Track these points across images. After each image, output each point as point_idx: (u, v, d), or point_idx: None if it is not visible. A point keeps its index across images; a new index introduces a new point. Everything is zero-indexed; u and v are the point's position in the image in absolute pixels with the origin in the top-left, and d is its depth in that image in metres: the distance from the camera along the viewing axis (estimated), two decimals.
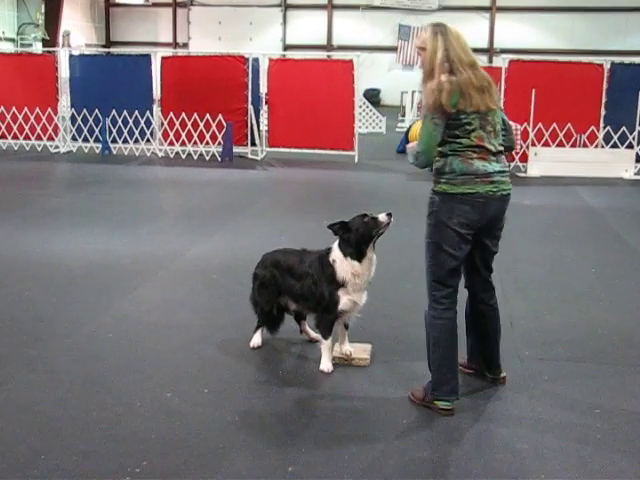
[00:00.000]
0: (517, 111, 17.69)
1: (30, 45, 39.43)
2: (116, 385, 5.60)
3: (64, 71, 20.73)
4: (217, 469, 4.44)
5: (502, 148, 5.31)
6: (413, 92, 30.94)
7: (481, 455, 4.66)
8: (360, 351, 6.17)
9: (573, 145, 18.19)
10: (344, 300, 5.85)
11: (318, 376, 5.83)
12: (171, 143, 19.97)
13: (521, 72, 18.29)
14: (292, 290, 6.11)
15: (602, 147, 18.22)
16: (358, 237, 5.77)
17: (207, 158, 19.47)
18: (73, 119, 20.44)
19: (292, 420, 5.10)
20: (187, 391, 5.50)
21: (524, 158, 18.02)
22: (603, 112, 18.35)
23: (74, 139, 20.58)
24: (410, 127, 21.04)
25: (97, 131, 20.17)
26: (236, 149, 19.59)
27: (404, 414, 5.19)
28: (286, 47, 48.10)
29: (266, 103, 20.44)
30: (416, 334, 6.72)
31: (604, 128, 18.22)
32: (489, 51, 47.25)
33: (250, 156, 19.80)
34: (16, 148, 20.44)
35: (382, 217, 5.78)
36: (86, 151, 20.34)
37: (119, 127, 20.05)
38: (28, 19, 40.59)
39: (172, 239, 10.36)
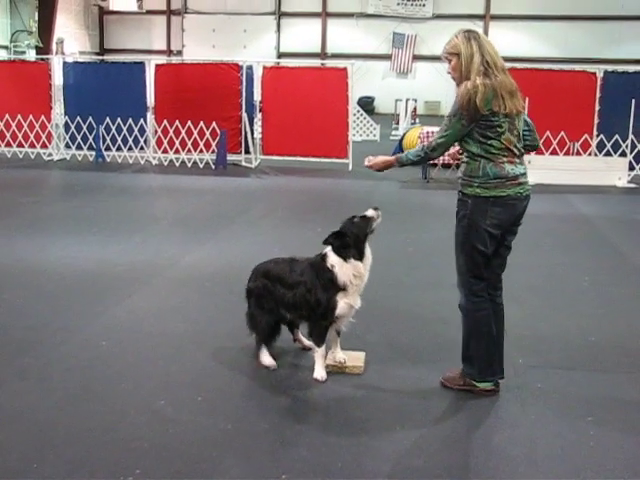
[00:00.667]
0: None
1: (23, 52, 39.44)
2: (109, 393, 5.59)
3: (58, 78, 20.74)
4: (210, 477, 4.43)
5: (524, 151, 5.64)
6: (407, 100, 31.03)
7: (475, 461, 4.66)
8: (354, 359, 6.16)
9: (566, 153, 18.25)
10: (341, 304, 5.87)
11: (312, 384, 5.82)
12: (165, 151, 19.97)
13: (515, 80, 18.22)
14: (284, 299, 6.07)
15: (595, 155, 18.29)
16: (354, 239, 5.88)
17: (201, 166, 19.47)
18: (67, 127, 20.44)
19: (285, 428, 5.09)
20: (180, 399, 5.49)
21: None
22: (596, 120, 18.43)
23: (67, 147, 20.58)
24: (404, 135, 21.08)
25: (91, 139, 20.17)
26: (230, 157, 19.61)
27: (397, 422, 5.19)
28: (280, 55, 48.23)
29: (260, 111, 20.45)
30: (410, 342, 6.75)
31: (597, 136, 18.29)
32: None
33: (244, 164, 19.81)
34: (9, 156, 20.42)
35: (370, 213, 5.99)
36: (79, 159, 20.33)
37: (113, 135, 20.07)
38: (22, 26, 40.59)
39: (165, 247, 10.35)
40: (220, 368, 6.10)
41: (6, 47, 40.28)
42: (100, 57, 35.07)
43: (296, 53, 46.15)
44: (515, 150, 5.49)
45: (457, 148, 5.78)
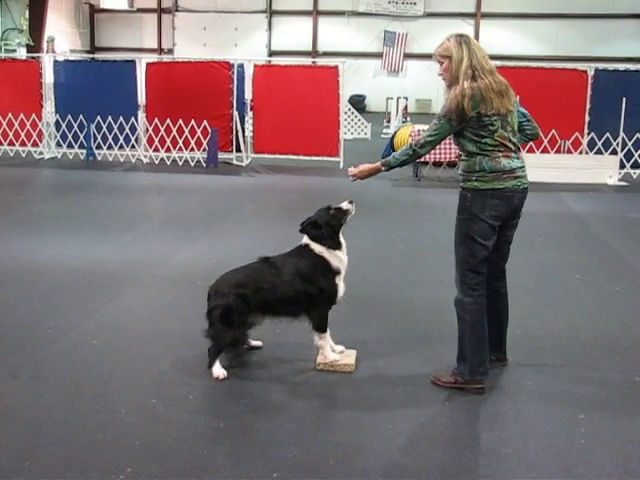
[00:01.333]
0: None
1: (14, 51, 39.29)
2: (100, 391, 5.58)
3: (48, 77, 20.70)
4: (202, 475, 4.43)
5: (520, 145, 5.96)
6: (398, 98, 31.02)
7: (466, 460, 4.67)
8: (345, 357, 6.16)
9: (557, 151, 18.27)
10: (341, 286, 6.07)
11: (303, 382, 5.82)
12: (156, 149, 19.96)
13: (506, 78, 18.12)
14: (270, 303, 6.00)
15: (586, 153, 18.31)
16: (330, 229, 6.13)
17: (192, 164, 19.45)
18: (57, 125, 20.41)
19: (277, 426, 5.09)
20: (172, 397, 5.49)
21: None
22: (587, 118, 18.47)
23: (58, 145, 20.55)
24: (395, 133, 21.07)
25: (82, 137, 20.14)
26: (221, 155, 19.60)
27: (389, 420, 5.19)
28: (271, 53, 48.22)
29: (251, 109, 20.44)
30: (401, 340, 6.74)
31: (588, 134, 18.33)
32: None
33: (235, 162, 19.80)
34: (0, 154, 20.36)
35: (345, 205, 6.20)
36: (70, 157, 20.29)
37: (104, 133, 20.03)
38: (12, 24, 40.45)
39: (157, 245, 10.34)
40: None
41: None
42: (91, 55, 35.09)
43: (287, 51, 46.18)
44: (510, 145, 5.73)
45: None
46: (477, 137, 5.64)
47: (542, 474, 4.52)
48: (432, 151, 6.10)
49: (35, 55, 24.35)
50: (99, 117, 19.87)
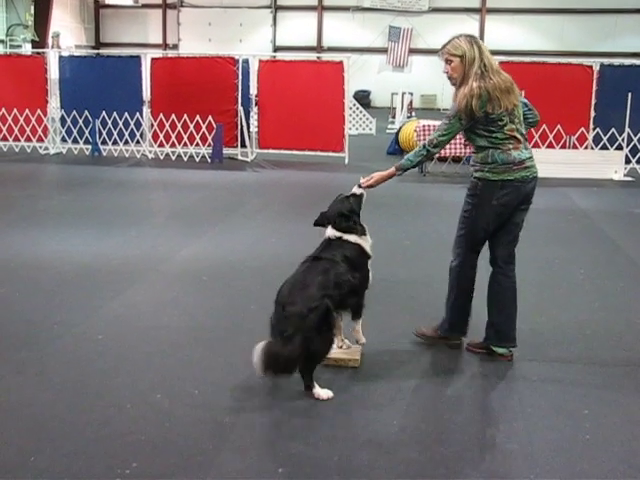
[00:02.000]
0: None
1: (19, 46, 39.33)
2: (106, 386, 5.59)
3: (53, 72, 20.68)
4: (207, 470, 4.43)
5: (526, 132, 6.17)
6: (403, 94, 31.02)
7: (470, 456, 4.67)
8: (350, 352, 6.17)
9: (563, 146, 18.23)
10: (371, 272, 6.15)
11: None
12: (161, 144, 19.95)
13: (511, 73, 17.83)
14: (343, 299, 5.82)
15: (592, 149, 18.28)
16: (356, 216, 6.13)
17: (197, 160, 19.46)
18: (63, 120, 20.41)
19: (282, 421, 5.10)
20: (177, 392, 5.50)
21: None
22: (593, 114, 18.40)
23: (64, 140, 20.56)
24: (400, 128, 21.07)
25: (87, 132, 20.13)
26: (226, 151, 19.61)
27: (394, 415, 5.20)
28: (276, 49, 48.16)
29: (256, 105, 20.42)
30: (406, 335, 6.74)
31: (594, 129, 18.28)
32: None
33: (240, 158, 19.79)
34: (5, 149, 20.39)
35: (357, 190, 6.23)
36: (76, 152, 20.30)
37: (109, 128, 20.03)
38: (17, 20, 40.48)
39: (162, 241, 10.35)
40: (216, 362, 6.10)
41: (2, 41, 40.14)
42: (96, 51, 35.00)
43: (292, 47, 46.10)
44: (519, 136, 6.00)
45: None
46: (487, 132, 5.93)
47: (547, 469, 4.52)
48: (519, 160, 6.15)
49: (40, 51, 24.37)
50: (104, 112, 19.87)
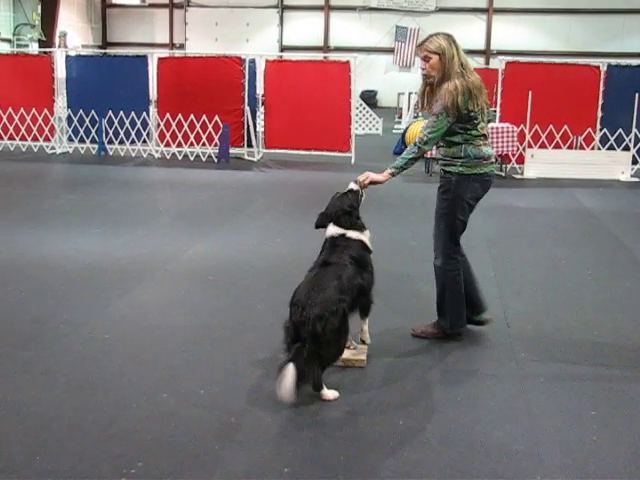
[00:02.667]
0: (514, 113, 17.80)
1: (26, 46, 39.40)
2: (112, 386, 5.59)
3: (60, 72, 20.70)
4: (213, 470, 4.43)
5: None
6: (410, 94, 30.95)
7: (476, 456, 4.66)
8: (357, 352, 6.16)
9: (570, 147, 18.20)
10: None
11: None
12: (167, 144, 19.96)
13: (518, 74, 18.29)
14: (356, 301, 5.84)
15: (599, 149, 18.24)
16: (355, 212, 6.17)
17: (203, 159, 19.47)
18: (69, 120, 20.44)
19: (288, 421, 5.10)
20: (183, 392, 5.50)
21: (521, 160, 18.03)
22: (600, 114, 18.35)
23: (70, 140, 20.59)
24: (407, 128, 21.04)
25: (93, 132, 20.16)
26: (232, 150, 19.61)
27: (400, 415, 5.19)
28: (283, 48, 48.16)
29: (263, 104, 20.42)
30: (411, 336, 6.74)
31: (601, 130, 18.23)
32: (486, 53, 47.36)
33: (246, 157, 19.80)
34: (12, 149, 20.42)
35: (354, 186, 6.30)
36: (82, 152, 20.33)
37: (115, 128, 20.05)
38: (24, 20, 40.56)
39: (168, 240, 10.35)
40: (223, 361, 6.10)
41: (9, 40, 40.25)
42: (103, 50, 35.04)
43: (299, 47, 46.09)
44: (486, 133, 6.37)
45: None
46: (464, 130, 6.19)
47: (553, 470, 4.51)
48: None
49: (47, 50, 24.39)
50: (111, 112, 19.90)
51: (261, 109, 20.62)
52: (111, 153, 20.19)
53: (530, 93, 17.43)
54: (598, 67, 18.58)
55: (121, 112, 19.86)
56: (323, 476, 4.40)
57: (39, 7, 40.58)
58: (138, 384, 5.64)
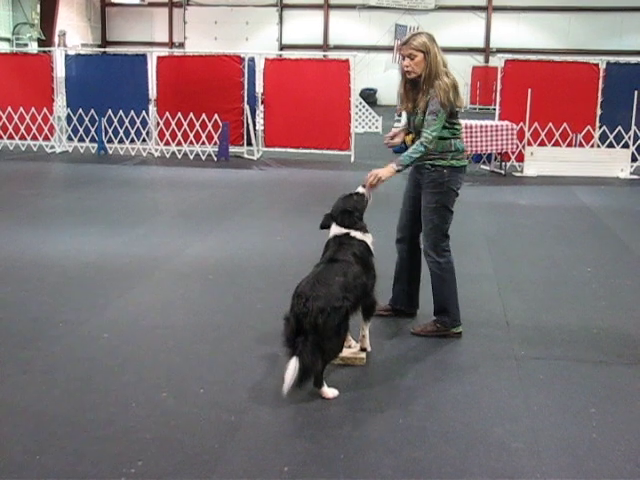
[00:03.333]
0: (513, 111, 17.81)
1: (26, 45, 39.43)
2: (111, 385, 5.59)
3: (60, 71, 20.70)
4: (213, 469, 4.43)
5: None
6: None
7: (476, 454, 4.66)
8: (356, 350, 6.16)
9: (569, 145, 18.19)
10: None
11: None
12: (167, 143, 19.97)
13: (517, 72, 18.30)
14: (359, 300, 5.83)
15: (598, 147, 18.24)
16: (360, 214, 6.20)
17: (203, 158, 19.47)
18: (69, 119, 20.45)
19: (288, 420, 5.10)
20: (182, 391, 5.49)
21: (520, 158, 18.03)
22: (599, 112, 18.36)
23: (70, 139, 20.60)
24: None
25: (93, 131, 20.17)
26: (232, 149, 19.62)
27: (399, 414, 5.19)
28: (282, 47, 48.21)
29: (262, 103, 20.42)
30: (411, 334, 6.74)
31: (600, 128, 18.24)
32: (485, 51, 47.40)
33: (246, 156, 19.80)
34: (12, 148, 20.42)
35: (362, 190, 6.32)
36: (82, 151, 20.33)
37: (115, 127, 20.07)
38: (24, 19, 40.58)
39: (168, 239, 10.35)
40: (222, 360, 6.10)
41: (8, 39, 40.27)
42: (102, 49, 35.04)
43: (298, 45, 46.09)
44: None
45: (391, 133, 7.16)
46: (451, 124, 6.44)
47: (553, 468, 4.51)
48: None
49: (46, 49, 24.40)
50: (110, 111, 19.91)
51: (260, 107, 20.64)
52: (110, 152, 20.19)
53: (529, 91, 17.42)
54: (597, 65, 18.59)
55: (120, 111, 19.87)
56: (323, 475, 4.40)
57: (38, 6, 40.59)
58: (138, 383, 5.64)
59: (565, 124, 17.99)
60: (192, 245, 10.01)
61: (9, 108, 20.30)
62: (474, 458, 4.61)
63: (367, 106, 29.73)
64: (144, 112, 20.06)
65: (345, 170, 17.98)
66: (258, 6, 49.22)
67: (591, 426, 5.05)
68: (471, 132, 16.10)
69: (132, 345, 6.43)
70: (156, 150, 20.13)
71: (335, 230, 6.07)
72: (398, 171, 6.32)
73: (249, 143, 19.91)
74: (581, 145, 18.18)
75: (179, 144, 19.80)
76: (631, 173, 17.72)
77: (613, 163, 17.69)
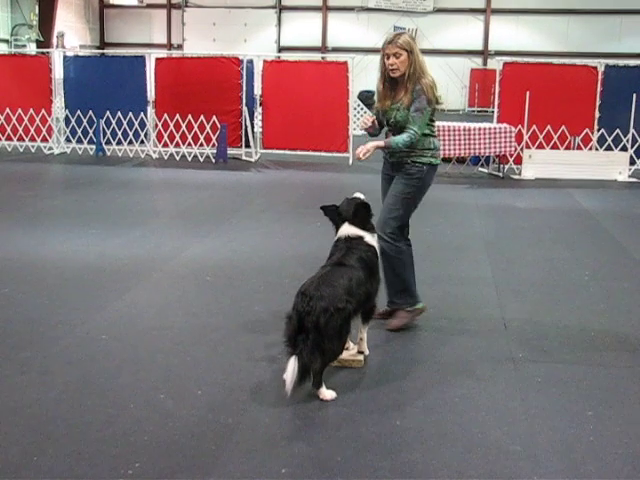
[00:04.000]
0: (511, 113, 17.84)
1: (24, 46, 39.41)
2: (109, 387, 5.59)
3: (58, 72, 20.74)
4: (210, 470, 4.43)
5: None
6: None
7: (474, 457, 4.65)
8: (354, 352, 6.16)
9: (567, 147, 18.23)
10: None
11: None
12: (165, 144, 19.99)
13: (516, 74, 18.33)
14: (362, 304, 5.85)
15: (596, 149, 18.26)
16: (371, 215, 6.36)
17: (201, 160, 19.48)
18: (67, 120, 20.47)
19: (285, 422, 5.09)
20: (180, 393, 5.49)
21: (518, 160, 18.04)
22: (597, 114, 18.41)
23: (68, 140, 20.61)
24: None
25: (91, 132, 20.19)
26: (230, 151, 19.62)
27: (397, 416, 5.19)
28: (281, 49, 48.21)
29: (260, 105, 20.44)
30: (409, 337, 6.74)
31: (598, 130, 18.28)
32: (484, 53, 47.39)
33: (244, 158, 19.81)
34: (10, 149, 20.43)
35: (360, 195, 6.44)
36: (80, 152, 20.34)
37: (113, 128, 20.09)
38: (22, 20, 40.57)
39: (166, 241, 10.35)
40: (220, 362, 6.10)
41: (7, 41, 40.24)
42: (100, 51, 35.04)
43: (297, 47, 46.12)
44: None
45: (371, 118, 7.14)
46: (430, 122, 6.67)
47: (550, 471, 4.51)
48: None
49: (45, 50, 24.38)
50: (108, 112, 19.93)
51: (259, 109, 20.65)
52: (109, 154, 20.20)
53: (528, 94, 17.43)
54: (596, 68, 18.64)
55: (119, 112, 19.90)
56: (321, 476, 4.40)
57: (37, 7, 40.62)
58: (135, 385, 5.63)
59: (563, 127, 18.02)
60: (190, 247, 10.01)
61: (7, 109, 20.33)
62: (471, 460, 4.61)
63: (365, 108, 29.68)
64: (142, 113, 20.07)
65: (343, 172, 17.99)
66: (256, 8, 49.22)
67: (588, 429, 5.05)
68: (469, 134, 16.07)
69: (130, 346, 6.42)
70: (154, 152, 20.14)
71: (348, 230, 6.07)
72: (382, 148, 6.66)
73: (247, 145, 19.93)
74: (579, 148, 18.22)
75: (177, 146, 19.82)
76: (629, 176, 17.75)
77: (611, 166, 17.72)
